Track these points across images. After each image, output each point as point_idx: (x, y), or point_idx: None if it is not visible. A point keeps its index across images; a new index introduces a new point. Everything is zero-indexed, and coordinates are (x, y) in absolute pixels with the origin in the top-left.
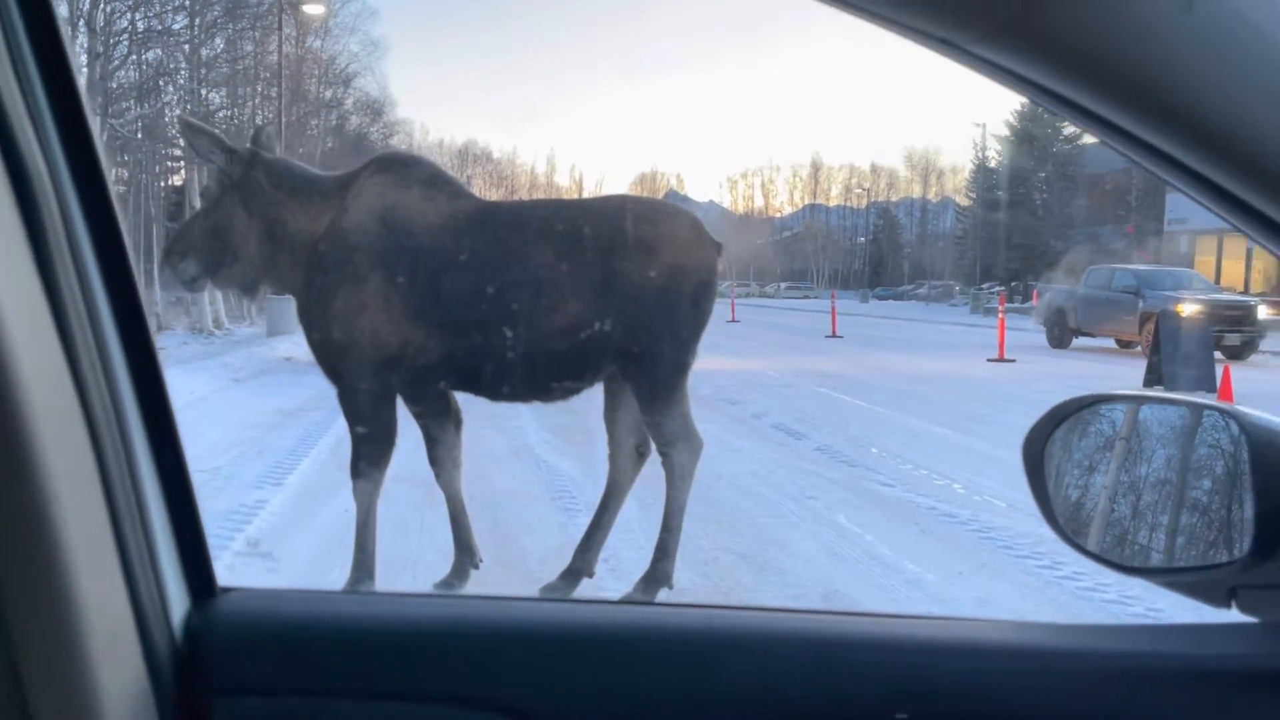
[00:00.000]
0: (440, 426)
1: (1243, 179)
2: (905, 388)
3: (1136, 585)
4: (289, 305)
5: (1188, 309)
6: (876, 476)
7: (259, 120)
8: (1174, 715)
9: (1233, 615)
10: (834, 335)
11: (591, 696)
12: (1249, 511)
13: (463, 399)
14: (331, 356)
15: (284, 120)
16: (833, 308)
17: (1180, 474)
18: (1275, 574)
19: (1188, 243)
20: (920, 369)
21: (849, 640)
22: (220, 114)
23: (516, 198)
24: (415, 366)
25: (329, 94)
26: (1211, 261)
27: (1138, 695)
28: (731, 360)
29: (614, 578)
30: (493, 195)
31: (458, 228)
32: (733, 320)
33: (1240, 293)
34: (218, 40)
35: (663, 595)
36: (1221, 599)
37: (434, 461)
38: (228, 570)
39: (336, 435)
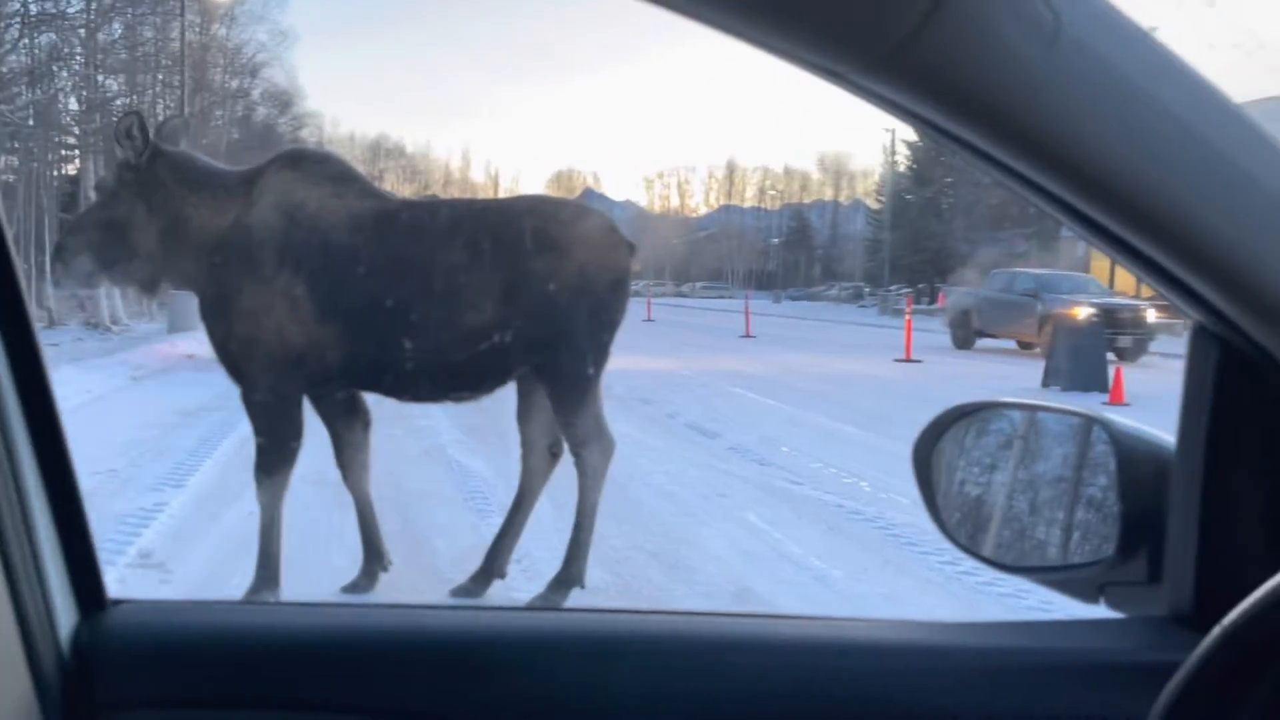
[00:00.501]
0: (348, 427)
1: (1101, 207)
2: (816, 387)
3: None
4: (192, 301)
5: (1083, 312)
6: (786, 475)
7: (160, 109)
8: (1044, 708)
9: (1101, 611)
10: (748, 335)
11: (492, 703)
12: (1115, 513)
13: (372, 399)
14: (235, 356)
15: (187, 110)
16: (746, 308)
17: (1054, 479)
18: (1139, 572)
19: (1084, 248)
20: (831, 369)
21: (730, 642)
22: (118, 102)
23: (430, 194)
24: (322, 367)
25: (235, 84)
26: (1106, 266)
27: (1011, 689)
28: (647, 360)
29: (526, 578)
30: (405, 191)
31: (367, 227)
32: (648, 320)
33: (1131, 297)
34: (116, 25)
35: (575, 595)
36: (1092, 595)
37: (342, 463)
38: (119, 583)
39: (241, 436)
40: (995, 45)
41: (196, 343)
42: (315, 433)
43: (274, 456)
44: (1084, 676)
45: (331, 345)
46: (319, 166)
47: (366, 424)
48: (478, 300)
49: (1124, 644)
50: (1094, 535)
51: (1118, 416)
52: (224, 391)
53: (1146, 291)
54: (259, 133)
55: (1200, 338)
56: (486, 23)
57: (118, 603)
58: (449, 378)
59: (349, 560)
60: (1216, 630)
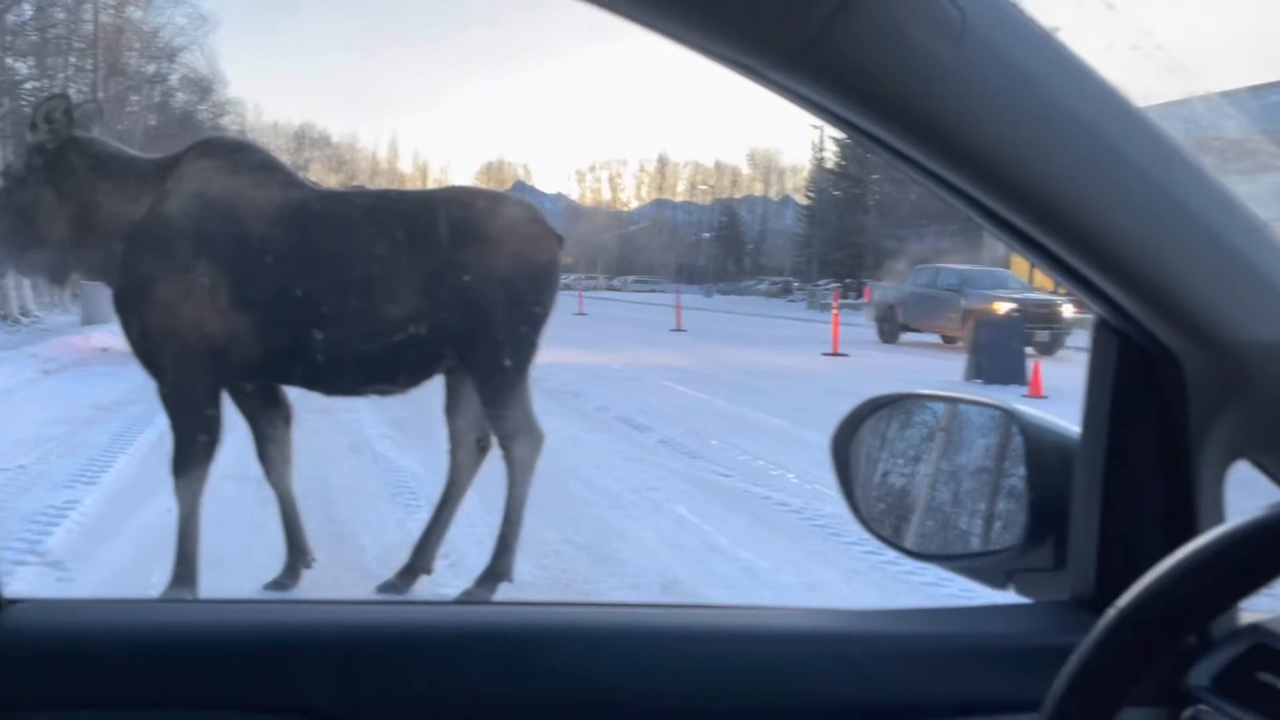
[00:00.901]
0: (270, 422)
1: (1007, 203)
2: (745, 381)
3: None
4: (107, 292)
5: (1003, 307)
6: (715, 467)
7: (72, 94)
8: (952, 691)
9: (1010, 596)
10: (678, 329)
11: (417, 698)
12: (1023, 501)
13: (297, 392)
14: (151, 349)
15: (100, 95)
16: (677, 302)
17: (967, 469)
18: (1045, 558)
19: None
20: (760, 363)
21: (651, 632)
22: (28, 85)
23: (356, 184)
24: (242, 360)
25: (151, 69)
26: (1026, 262)
27: (920, 674)
28: (577, 353)
29: (454, 573)
30: (331, 181)
31: (287, 217)
32: (580, 313)
33: (1050, 292)
34: (26, 6)
35: (504, 589)
36: (1001, 582)
37: (263, 458)
38: (24, 583)
39: (160, 430)
40: (902, 43)
41: (112, 335)
42: (238, 427)
43: (191, 452)
44: (990, 660)
45: (250, 338)
46: (238, 155)
47: (288, 418)
48: (399, 292)
49: (1028, 628)
50: (1003, 523)
51: (1026, 407)
52: (141, 385)
53: (1064, 288)
54: (178, 119)
55: (1102, 332)
56: (416, 12)
57: (14, 602)
58: (370, 371)
59: (272, 558)
60: (1110, 612)
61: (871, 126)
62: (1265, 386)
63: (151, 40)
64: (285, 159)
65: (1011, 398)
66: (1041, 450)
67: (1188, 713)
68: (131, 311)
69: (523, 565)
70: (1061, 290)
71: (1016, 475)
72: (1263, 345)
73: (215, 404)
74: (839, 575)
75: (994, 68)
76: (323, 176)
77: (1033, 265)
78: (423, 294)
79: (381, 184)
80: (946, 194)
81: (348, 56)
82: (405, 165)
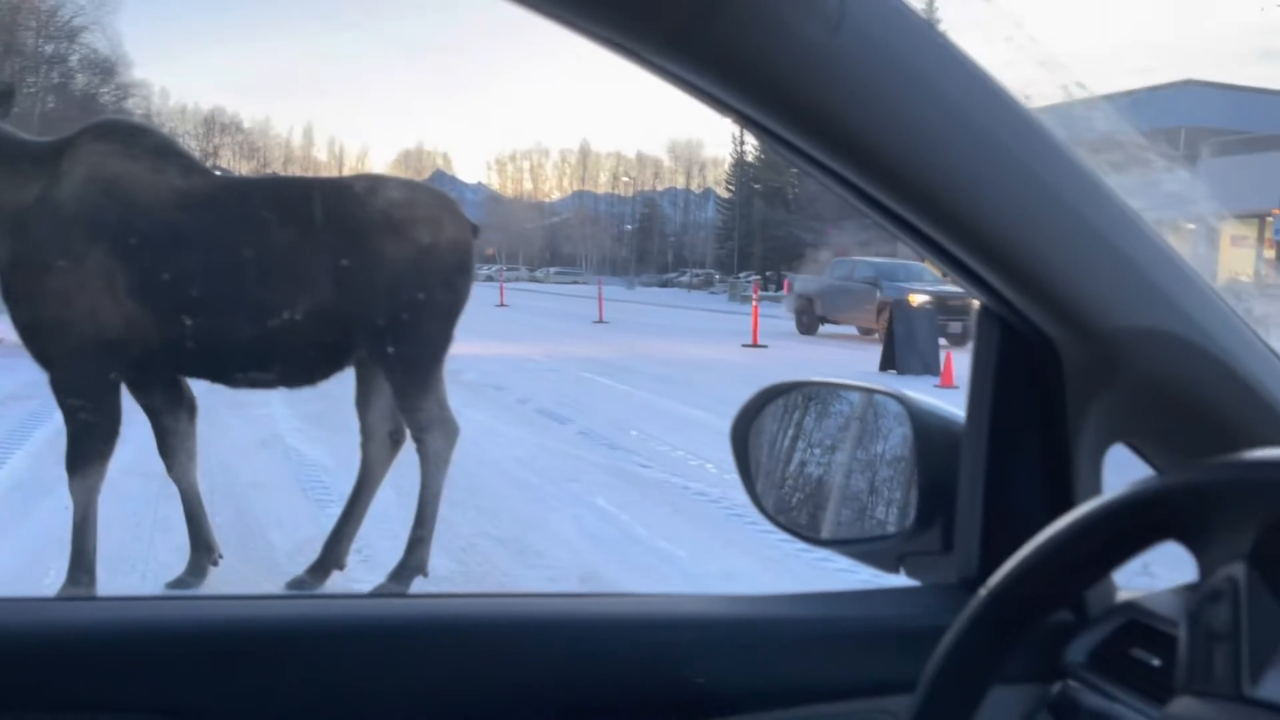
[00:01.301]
0: (172, 415)
1: (889, 192)
2: (666, 372)
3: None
4: None
5: (917, 299)
6: (635, 458)
7: None
8: (843, 673)
9: (901, 580)
10: (600, 321)
11: (324, 694)
12: (913, 486)
13: (205, 386)
14: (42, 340)
15: None
16: (600, 294)
17: (861, 454)
18: (934, 542)
19: None
20: (681, 354)
21: (537, 622)
22: None
23: (270, 172)
24: (140, 352)
25: (50, 49)
26: None
27: (814, 657)
28: (498, 345)
29: (367, 569)
30: (243, 169)
31: (190, 204)
32: (501, 305)
33: None
34: None
35: (419, 584)
36: (892, 565)
37: (165, 453)
38: None
39: (58, 425)
40: (779, 30)
41: (6, 326)
42: (142, 422)
43: (87, 447)
44: (876, 642)
45: (149, 329)
46: (135, 139)
47: (192, 411)
48: (305, 282)
49: (915, 610)
50: (894, 508)
51: (916, 394)
52: (38, 379)
53: (948, 275)
54: (78, 102)
55: (985, 319)
56: None
57: None
58: (278, 363)
59: (176, 555)
60: (982, 592)
61: (753, 113)
62: (1136, 371)
63: (50, 19)
64: (193, 145)
65: (925, 388)
66: (930, 436)
67: (1056, 687)
68: (21, 301)
69: (439, 559)
70: None
71: (906, 461)
72: (1133, 331)
73: (111, 397)
74: (756, 563)
75: (872, 57)
76: (234, 164)
77: (917, 252)
78: (331, 284)
79: (295, 172)
80: (831, 182)
81: (261, 40)
82: (321, 153)
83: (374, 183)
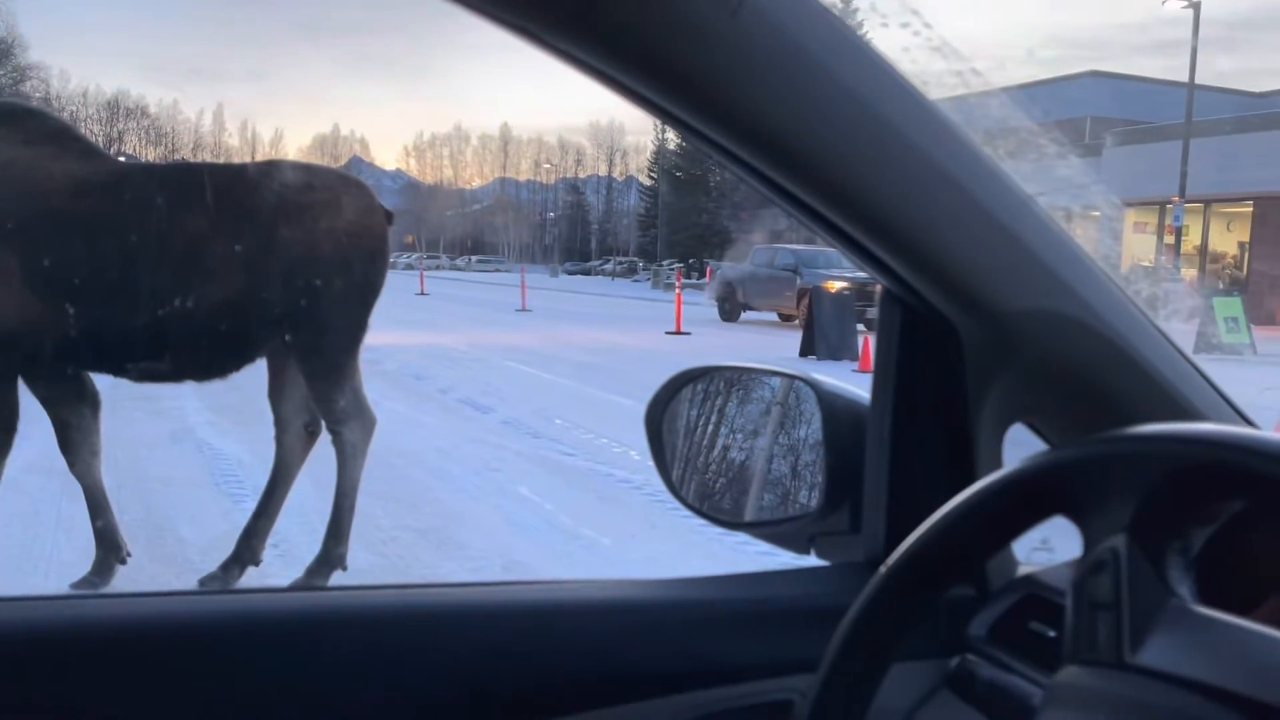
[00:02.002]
0: (74, 410)
1: (790, 176)
2: (590, 360)
3: None
4: None
5: (836, 286)
6: (559, 447)
7: None
8: (747, 654)
9: (812, 560)
10: (523, 309)
11: (241, 691)
12: (822, 468)
13: (111, 378)
14: None
15: None
16: (522, 282)
17: (771, 437)
18: (843, 522)
19: None
20: (605, 342)
21: (446, 611)
22: None
23: (178, 158)
24: (37, 345)
25: None
26: None
27: (726, 637)
28: (419, 334)
29: (284, 563)
30: (150, 154)
31: (87, 191)
32: (421, 294)
33: None
34: None
35: (338, 578)
36: (803, 546)
37: (66, 448)
38: None
39: None
40: (677, 12)
41: None
42: (45, 416)
43: None
44: (783, 622)
45: (45, 321)
46: (28, 123)
47: (95, 406)
48: (212, 271)
49: (822, 589)
50: (804, 489)
51: (823, 376)
52: None
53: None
54: None
55: (887, 302)
56: None
57: None
58: (185, 355)
59: (81, 555)
60: (881, 569)
61: (653, 95)
62: (1032, 352)
63: None
64: (96, 130)
65: (843, 373)
66: (837, 417)
67: (954, 661)
68: None
69: (359, 553)
70: None
71: (815, 442)
72: (1029, 313)
73: (9, 391)
74: (677, 548)
75: (770, 41)
76: (140, 149)
77: (820, 236)
78: (240, 272)
79: (205, 158)
80: (734, 166)
81: (168, 21)
82: (233, 138)
83: (284, 168)
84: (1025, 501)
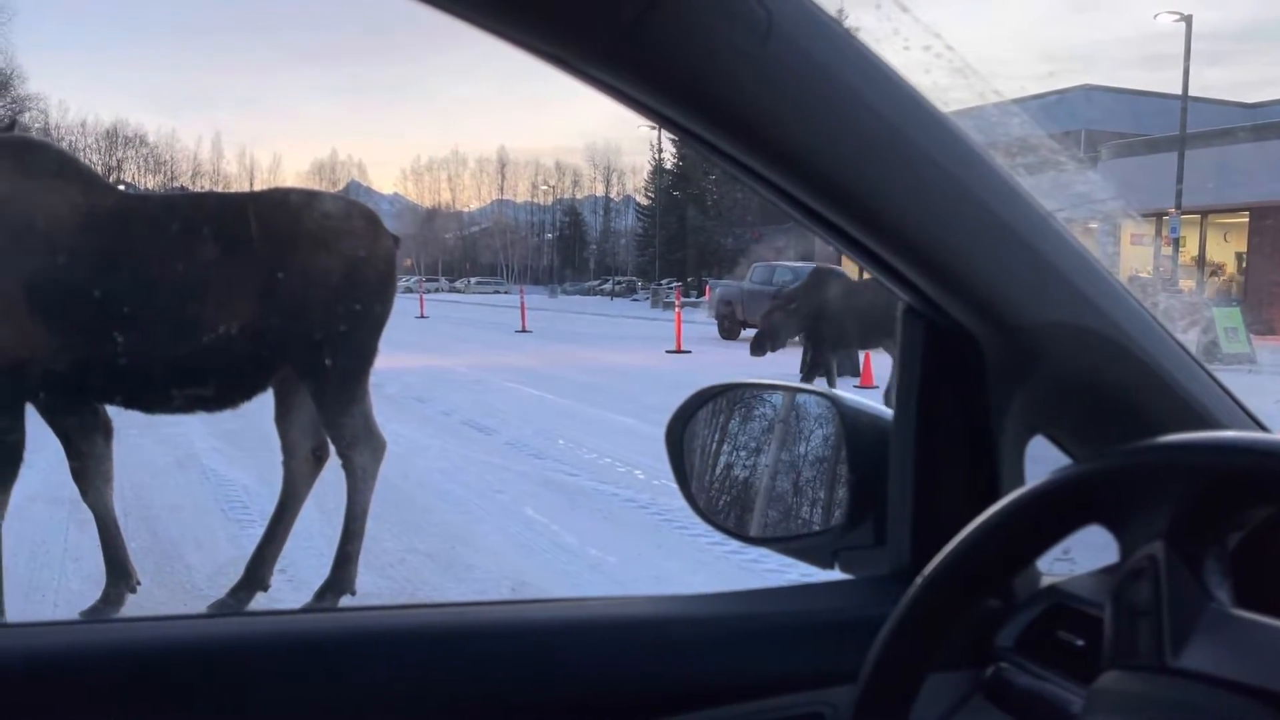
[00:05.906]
0: (86, 439)
1: (817, 196)
2: (591, 380)
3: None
4: None
5: None
6: (563, 467)
7: None
8: (777, 668)
9: (836, 574)
10: (524, 330)
11: (216, 717)
12: (845, 483)
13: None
14: None
15: None
16: (522, 303)
17: (792, 453)
18: (867, 536)
19: None
20: (606, 362)
21: (465, 630)
22: None
23: (177, 185)
24: (47, 375)
25: None
26: None
27: (752, 652)
28: (420, 357)
29: (292, 588)
30: (149, 182)
31: (93, 224)
32: (422, 316)
33: None
34: None
35: (346, 602)
36: (827, 561)
37: (79, 477)
38: None
39: None
40: (710, 41)
41: None
42: (48, 444)
43: None
44: (812, 636)
45: (56, 352)
46: (30, 156)
47: (108, 435)
48: (222, 301)
49: (849, 603)
50: (828, 505)
51: (845, 393)
52: None
53: (872, 275)
54: None
55: (909, 318)
56: (239, 4)
57: None
58: (195, 386)
59: (89, 584)
60: (918, 580)
61: (685, 121)
62: (1053, 364)
63: None
64: (95, 159)
65: (845, 388)
66: (860, 433)
67: (989, 671)
68: None
69: (366, 576)
70: None
71: (838, 458)
72: (1051, 326)
73: (17, 421)
74: (685, 566)
75: (799, 66)
76: (140, 178)
77: (845, 255)
78: (249, 301)
79: (204, 185)
80: (761, 188)
81: (165, 50)
82: (231, 165)
83: (291, 196)
84: (1062, 510)
